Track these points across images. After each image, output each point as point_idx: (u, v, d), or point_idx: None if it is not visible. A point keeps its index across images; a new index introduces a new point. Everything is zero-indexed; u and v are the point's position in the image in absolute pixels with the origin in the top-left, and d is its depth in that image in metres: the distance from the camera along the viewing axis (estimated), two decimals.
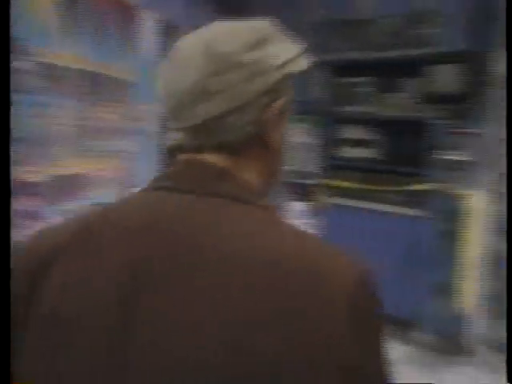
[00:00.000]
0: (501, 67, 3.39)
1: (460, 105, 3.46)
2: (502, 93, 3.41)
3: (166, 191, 0.64)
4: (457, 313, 3.48)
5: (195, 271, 0.56)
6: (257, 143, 0.67)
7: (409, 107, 3.83)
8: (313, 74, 4.17)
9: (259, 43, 0.65)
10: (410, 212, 3.74)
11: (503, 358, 3.48)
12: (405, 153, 3.91)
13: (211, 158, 0.66)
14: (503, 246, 3.42)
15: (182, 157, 0.68)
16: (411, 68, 3.64)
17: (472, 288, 3.51)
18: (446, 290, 3.50)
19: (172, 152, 0.69)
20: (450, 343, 3.52)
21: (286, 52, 0.67)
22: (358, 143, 4.28)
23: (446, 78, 3.42)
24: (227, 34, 0.65)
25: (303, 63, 0.70)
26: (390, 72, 3.88)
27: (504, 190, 3.41)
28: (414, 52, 3.60)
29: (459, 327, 3.52)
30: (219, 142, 0.65)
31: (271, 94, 0.65)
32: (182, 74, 0.64)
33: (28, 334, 0.60)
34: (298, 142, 4.29)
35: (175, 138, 0.68)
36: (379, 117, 4.00)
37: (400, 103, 3.91)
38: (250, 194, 0.65)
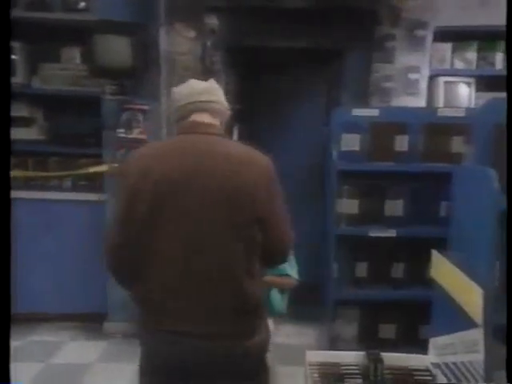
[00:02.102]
0: (163, 43, 3.42)
1: (129, 79, 3.31)
2: (164, 68, 3.48)
3: (194, 134, 1.47)
4: None
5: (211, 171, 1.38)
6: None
7: (74, 80, 3.43)
8: None
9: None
10: (89, 197, 3.41)
11: None
12: (73, 132, 3.53)
13: (205, 118, 1.52)
14: None
15: (192, 118, 1.51)
16: (74, 35, 3.23)
17: None
18: None
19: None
20: None
21: None
22: (15, 122, 3.57)
23: (114, 49, 3.18)
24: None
25: None
26: (48, 38, 3.35)
27: None
28: (75, 17, 3.20)
29: None
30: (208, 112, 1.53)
31: None
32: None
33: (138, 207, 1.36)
34: None
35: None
36: (38, 90, 3.44)
37: (62, 75, 3.46)
38: (220, 132, 1.53)
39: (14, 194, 3.42)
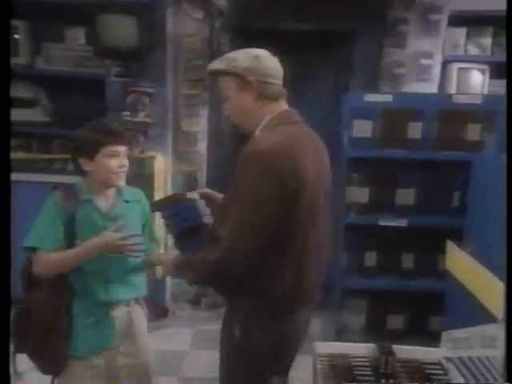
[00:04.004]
0: (169, 24, 3.33)
1: (134, 61, 3.22)
2: (170, 50, 3.39)
3: (296, 124, 1.49)
4: (151, 278, 3.40)
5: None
6: None
7: (78, 61, 3.34)
8: None
9: None
10: None
11: (196, 308, 3.76)
12: (78, 114, 3.44)
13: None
14: None
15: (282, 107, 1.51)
16: (79, 15, 3.14)
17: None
18: None
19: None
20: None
21: None
22: (16, 103, 3.49)
23: (119, 30, 3.09)
24: None
25: None
26: (52, 17, 3.26)
27: None
28: None
29: (156, 291, 3.46)
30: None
31: None
32: None
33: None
34: None
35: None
36: (41, 71, 3.36)
37: (66, 55, 3.37)
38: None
39: (16, 176, 3.37)
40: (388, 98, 2.76)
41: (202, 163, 3.50)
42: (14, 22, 3.30)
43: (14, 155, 3.44)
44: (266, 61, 1.45)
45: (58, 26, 3.41)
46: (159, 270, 3.38)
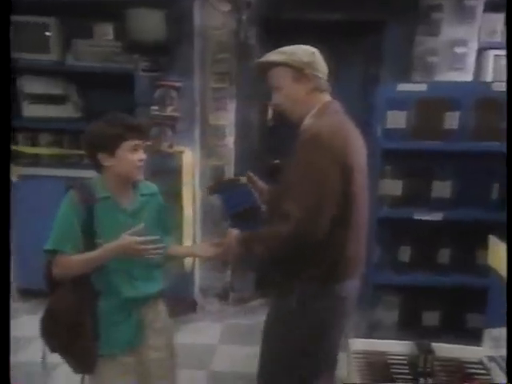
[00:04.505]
0: (197, 17, 3.30)
1: (162, 55, 3.21)
2: (198, 44, 3.36)
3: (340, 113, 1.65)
4: (179, 271, 3.40)
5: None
6: None
7: (107, 56, 3.36)
8: None
9: None
10: None
11: (225, 303, 3.76)
12: (107, 109, 3.45)
13: None
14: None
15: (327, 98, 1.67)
16: (107, 11, 3.14)
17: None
18: None
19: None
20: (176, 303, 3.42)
21: None
22: (47, 99, 3.54)
23: (147, 24, 3.08)
24: None
25: None
26: (81, 14, 3.28)
27: None
28: None
29: (184, 285, 3.46)
30: None
31: None
32: None
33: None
34: None
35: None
36: (71, 67, 3.38)
37: (95, 51, 3.39)
38: None
39: (49, 172, 3.44)
40: (422, 87, 2.67)
41: (229, 157, 3.47)
42: (45, 20, 3.34)
43: (46, 151, 3.50)
44: (319, 57, 1.65)
45: (86, 22, 3.43)
46: (188, 262, 3.40)
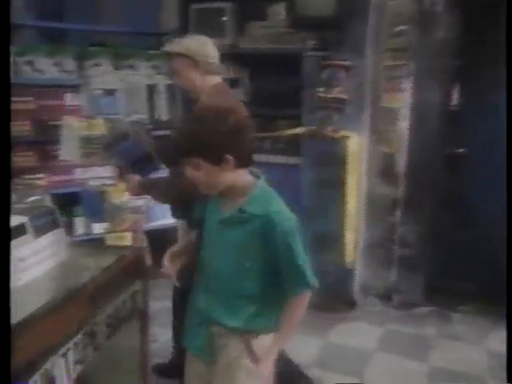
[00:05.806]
0: None
1: (332, 32, 2.98)
2: (372, 16, 3.02)
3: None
4: (339, 265, 3.18)
5: None
6: None
7: (277, 38, 3.28)
8: None
9: None
10: (283, 160, 3.31)
11: (387, 304, 3.42)
12: (274, 91, 3.40)
13: None
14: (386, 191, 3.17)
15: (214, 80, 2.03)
16: None
17: (354, 238, 3.21)
18: (326, 241, 3.14)
19: None
20: (333, 298, 3.23)
21: None
22: None
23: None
24: None
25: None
26: None
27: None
28: None
29: (343, 280, 3.23)
30: None
31: None
32: None
33: None
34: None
35: None
36: (243, 50, 3.39)
37: (267, 33, 3.34)
38: None
39: None
40: None
41: (402, 144, 3.07)
42: (222, 4, 3.42)
43: None
44: (211, 45, 2.03)
45: (260, 4, 3.40)
46: (349, 257, 3.15)
